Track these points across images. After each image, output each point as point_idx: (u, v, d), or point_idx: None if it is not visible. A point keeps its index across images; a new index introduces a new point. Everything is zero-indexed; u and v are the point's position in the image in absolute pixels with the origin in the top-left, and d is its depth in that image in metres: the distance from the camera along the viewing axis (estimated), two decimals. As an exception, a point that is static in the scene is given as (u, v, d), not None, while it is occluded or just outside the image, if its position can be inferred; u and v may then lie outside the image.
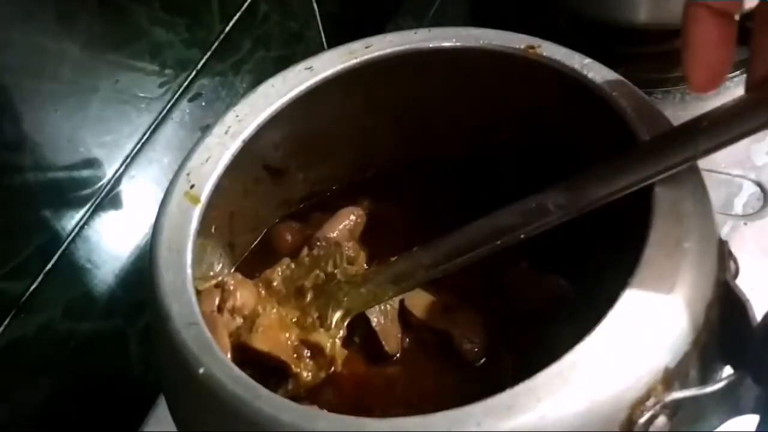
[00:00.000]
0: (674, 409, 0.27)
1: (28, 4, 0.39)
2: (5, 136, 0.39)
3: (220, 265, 0.39)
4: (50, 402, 0.45)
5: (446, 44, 0.37)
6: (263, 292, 0.36)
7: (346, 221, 0.39)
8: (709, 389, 0.27)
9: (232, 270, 0.39)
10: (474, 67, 0.38)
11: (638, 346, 0.26)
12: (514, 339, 0.35)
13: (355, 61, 0.37)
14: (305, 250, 0.38)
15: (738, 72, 0.56)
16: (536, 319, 0.35)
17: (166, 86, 0.48)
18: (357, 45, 0.38)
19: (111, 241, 0.47)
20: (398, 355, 0.36)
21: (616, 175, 0.30)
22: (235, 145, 0.35)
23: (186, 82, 0.50)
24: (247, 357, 0.33)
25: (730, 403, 0.28)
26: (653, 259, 0.28)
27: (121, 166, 0.46)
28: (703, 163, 0.31)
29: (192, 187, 0.34)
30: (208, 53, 0.51)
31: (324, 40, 0.63)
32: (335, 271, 0.36)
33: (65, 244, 0.43)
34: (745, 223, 0.47)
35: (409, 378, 0.35)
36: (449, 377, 0.34)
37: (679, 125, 0.30)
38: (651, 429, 0.26)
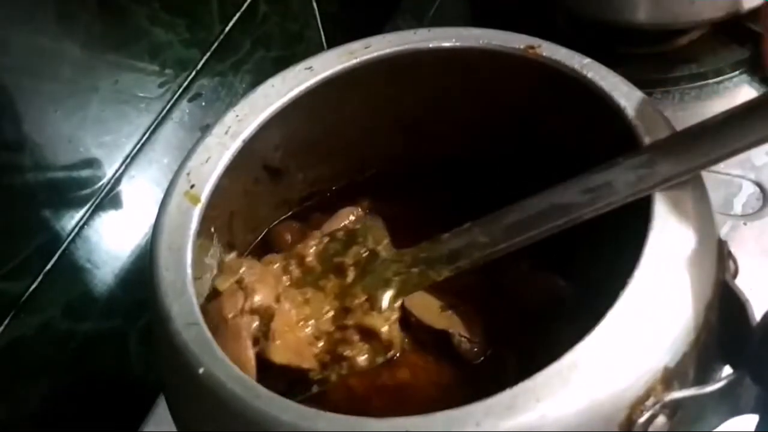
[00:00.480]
0: (674, 409, 0.27)
1: (28, 5, 0.39)
2: (5, 136, 0.39)
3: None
4: (50, 402, 0.45)
5: (446, 44, 0.37)
6: (290, 273, 0.34)
7: (346, 221, 0.39)
8: (708, 389, 0.27)
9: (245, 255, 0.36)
10: (474, 67, 0.38)
11: (638, 346, 0.26)
12: (513, 339, 0.35)
13: (354, 61, 0.37)
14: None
15: (737, 72, 0.56)
16: (536, 319, 0.35)
17: (165, 86, 0.48)
18: (356, 45, 0.38)
19: (111, 241, 0.47)
20: (398, 355, 0.36)
21: (690, 152, 0.29)
22: (234, 145, 0.35)
23: (186, 83, 0.50)
24: (267, 365, 0.32)
25: (729, 402, 0.28)
26: (653, 259, 0.28)
27: (120, 166, 0.46)
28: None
29: (192, 187, 0.34)
30: (208, 53, 0.51)
31: (324, 40, 0.63)
32: (378, 248, 0.35)
33: (65, 244, 0.43)
34: (745, 223, 0.47)
35: (409, 378, 0.35)
36: (449, 377, 0.34)
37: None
38: (650, 429, 0.26)
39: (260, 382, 0.28)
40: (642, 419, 0.26)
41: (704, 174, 0.31)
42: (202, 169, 0.34)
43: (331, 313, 0.33)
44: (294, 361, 0.32)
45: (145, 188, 0.48)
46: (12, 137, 0.40)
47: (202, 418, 0.29)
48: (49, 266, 0.42)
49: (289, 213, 0.42)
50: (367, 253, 0.35)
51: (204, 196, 0.33)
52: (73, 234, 0.44)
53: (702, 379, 0.29)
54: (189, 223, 0.32)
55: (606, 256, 0.32)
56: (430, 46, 0.37)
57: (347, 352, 0.32)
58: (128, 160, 0.46)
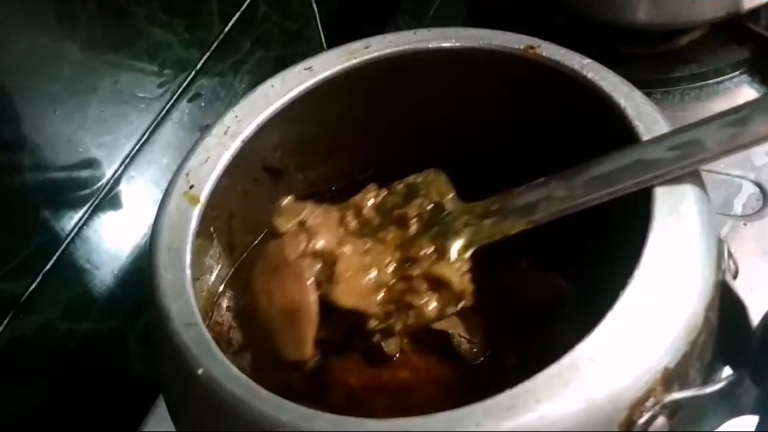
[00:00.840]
0: (674, 410, 0.27)
1: (28, 5, 0.39)
2: (4, 136, 0.39)
3: (220, 265, 0.39)
4: (49, 402, 0.45)
5: (446, 44, 0.37)
6: (346, 225, 0.33)
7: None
8: (708, 390, 0.27)
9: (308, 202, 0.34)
10: (473, 68, 0.38)
11: (638, 347, 0.26)
12: (513, 339, 0.35)
13: (354, 61, 0.37)
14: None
15: (738, 72, 0.56)
16: (536, 320, 0.35)
17: (165, 86, 0.48)
18: (356, 45, 0.38)
19: (110, 241, 0.47)
20: (397, 355, 0.36)
21: None
22: (234, 146, 0.35)
23: (185, 83, 0.50)
24: (328, 308, 0.31)
25: (729, 403, 0.28)
26: (653, 260, 0.28)
27: (120, 166, 0.46)
28: (702, 164, 0.31)
29: (191, 187, 0.34)
30: (208, 53, 0.51)
31: (323, 40, 0.63)
32: (443, 200, 0.33)
33: (64, 244, 0.43)
34: (745, 224, 0.47)
35: (409, 378, 0.35)
36: (448, 377, 0.34)
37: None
38: (650, 429, 0.26)
39: (321, 329, 0.28)
40: (642, 420, 0.26)
41: (704, 174, 0.31)
42: (202, 169, 0.34)
43: (393, 265, 0.32)
44: (360, 305, 0.31)
45: (145, 189, 0.48)
46: (11, 137, 0.40)
47: (201, 418, 0.29)
48: (48, 266, 0.42)
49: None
50: (431, 206, 0.33)
51: (203, 196, 0.33)
52: (72, 234, 0.43)
53: (702, 379, 0.29)
54: (188, 224, 0.32)
55: (606, 256, 0.32)
56: (430, 46, 0.37)
57: (415, 301, 0.31)
58: (127, 161, 0.46)
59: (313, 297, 0.31)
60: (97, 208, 0.45)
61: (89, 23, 0.42)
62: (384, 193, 0.35)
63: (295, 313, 0.31)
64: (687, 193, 0.30)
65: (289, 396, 0.26)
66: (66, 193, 0.43)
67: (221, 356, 0.28)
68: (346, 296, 0.31)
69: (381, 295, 0.32)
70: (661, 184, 0.30)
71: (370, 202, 0.34)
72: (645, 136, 0.31)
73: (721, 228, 0.46)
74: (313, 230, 0.32)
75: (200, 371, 0.27)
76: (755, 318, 0.28)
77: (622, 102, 0.33)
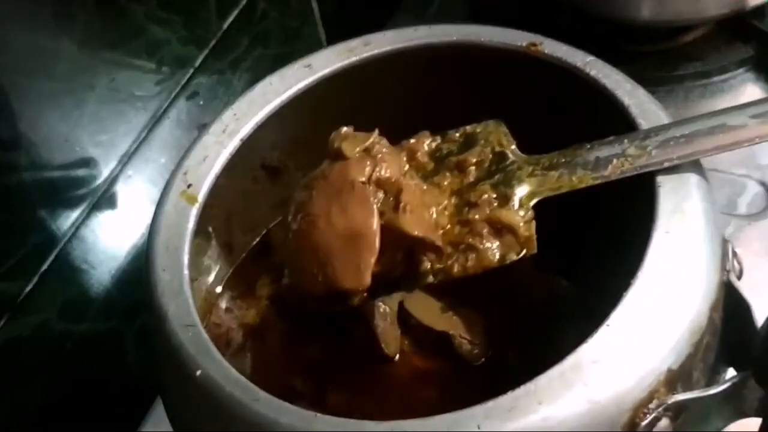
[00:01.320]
0: (677, 411, 0.26)
1: (26, 2, 0.39)
2: (1, 134, 0.39)
3: (218, 265, 0.38)
4: (47, 403, 0.45)
5: (447, 41, 0.37)
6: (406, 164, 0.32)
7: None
8: (712, 391, 0.27)
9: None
10: (475, 65, 0.37)
11: (641, 348, 0.26)
12: (515, 340, 0.35)
13: (354, 58, 0.37)
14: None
15: (742, 69, 0.56)
16: (538, 320, 0.35)
17: (163, 84, 0.48)
18: (356, 42, 0.38)
19: (107, 241, 0.46)
20: (398, 356, 0.35)
21: None
22: (232, 144, 0.35)
23: (183, 81, 0.49)
24: (390, 239, 0.30)
25: (733, 404, 0.28)
26: (657, 260, 0.27)
27: (117, 165, 0.46)
28: (706, 163, 0.31)
29: (189, 186, 0.33)
30: (206, 51, 0.51)
31: (323, 37, 0.63)
32: (505, 150, 0.32)
33: (61, 244, 0.43)
34: (750, 223, 0.47)
35: (409, 380, 0.35)
36: (449, 379, 0.34)
37: None
38: (654, 431, 0.26)
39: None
40: (645, 421, 0.26)
41: (709, 174, 0.31)
42: (200, 168, 0.34)
43: (451, 209, 0.31)
44: (428, 235, 0.30)
45: (142, 188, 0.48)
46: (7, 136, 0.39)
47: (200, 420, 0.29)
48: (45, 266, 0.42)
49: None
50: (492, 154, 0.33)
51: (201, 195, 0.33)
52: (69, 234, 0.43)
53: (706, 381, 0.28)
54: (186, 223, 0.32)
55: (609, 256, 0.32)
56: (431, 43, 0.37)
57: (477, 244, 0.30)
58: (125, 160, 0.46)
59: (375, 221, 0.29)
60: (95, 208, 0.45)
61: (87, 20, 0.42)
62: (438, 140, 0.34)
63: (357, 238, 0.29)
64: (691, 192, 0.29)
65: (288, 397, 0.26)
66: (63, 192, 0.43)
67: (219, 357, 0.28)
68: (413, 225, 0.30)
69: (441, 233, 0.31)
70: (663, 183, 0.29)
71: (425, 147, 0.33)
72: (648, 135, 0.31)
73: (725, 228, 0.46)
74: (380, 158, 0.31)
75: (198, 372, 0.27)
76: (760, 318, 0.28)
77: (626, 99, 0.33)
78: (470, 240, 0.30)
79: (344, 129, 0.32)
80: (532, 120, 0.38)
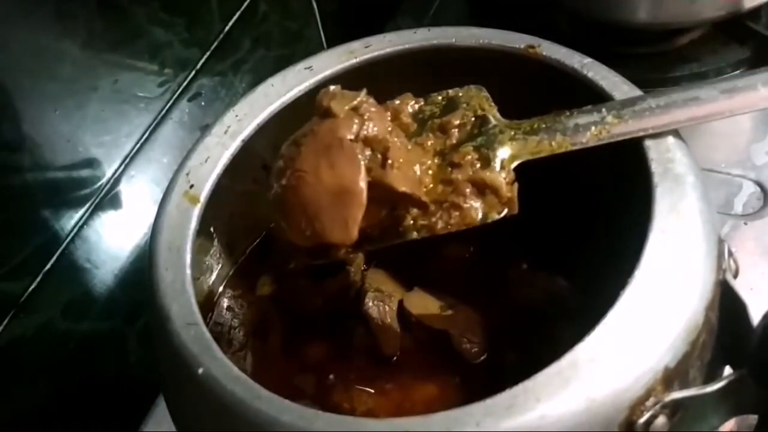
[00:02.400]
0: (674, 409, 0.27)
1: (28, 4, 0.39)
2: (4, 135, 0.39)
3: (220, 265, 0.39)
4: (49, 402, 0.45)
5: (446, 43, 0.37)
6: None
7: None
8: (708, 389, 0.27)
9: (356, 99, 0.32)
10: (474, 67, 0.38)
11: (638, 346, 0.26)
12: (513, 339, 0.35)
13: (354, 60, 0.37)
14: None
15: (738, 71, 0.56)
16: (536, 319, 0.35)
17: (165, 86, 0.48)
18: (357, 44, 0.38)
19: (110, 241, 0.47)
20: (397, 355, 0.36)
21: None
22: (234, 145, 0.35)
23: (185, 82, 0.50)
24: (375, 194, 0.30)
25: (729, 402, 0.28)
26: (653, 259, 0.28)
27: (120, 165, 0.46)
28: (703, 163, 0.31)
29: (191, 187, 0.33)
30: (208, 53, 0.51)
31: (324, 39, 0.63)
32: (487, 114, 0.33)
33: (64, 244, 0.43)
34: (745, 223, 0.47)
35: (409, 378, 0.35)
36: (448, 377, 0.34)
37: None
38: (651, 429, 0.26)
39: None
40: (642, 419, 0.26)
41: (705, 174, 0.31)
42: (202, 169, 0.34)
43: (434, 169, 0.32)
44: (415, 191, 0.31)
45: (145, 188, 0.48)
46: (11, 137, 0.39)
47: (201, 418, 0.29)
48: (48, 266, 0.42)
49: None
50: (474, 117, 0.33)
51: (203, 196, 0.33)
52: (72, 234, 0.43)
53: (702, 379, 0.29)
54: (188, 223, 0.32)
55: (606, 255, 0.32)
56: (431, 45, 0.37)
57: (460, 202, 0.31)
58: (128, 160, 0.46)
59: (365, 179, 0.30)
60: (97, 208, 0.45)
61: (89, 22, 0.42)
62: (421, 102, 0.34)
63: (345, 193, 0.30)
64: (687, 192, 0.30)
65: (289, 396, 0.26)
66: (66, 192, 0.43)
67: (221, 356, 0.28)
68: (400, 181, 0.30)
69: (425, 191, 0.31)
70: (660, 183, 0.30)
71: (409, 108, 0.34)
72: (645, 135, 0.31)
73: (721, 227, 0.46)
74: (367, 116, 0.31)
75: (200, 371, 0.27)
76: (756, 317, 0.28)
77: (623, 101, 0.33)
78: (453, 198, 0.31)
79: (332, 87, 0.33)
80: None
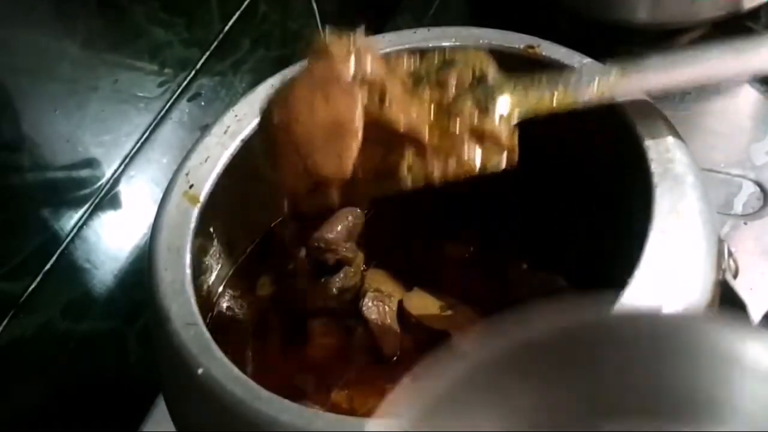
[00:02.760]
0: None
1: (28, 3, 0.39)
2: (4, 135, 0.39)
3: (219, 265, 0.39)
4: (49, 402, 0.45)
5: (446, 43, 0.37)
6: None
7: (345, 222, 0.39)
8: (708, 389, 0.27)
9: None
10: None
11: (638, 346, 0.26)
12: (513, 339, 0.35)
13: (354, 60, 0.37)
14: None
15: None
16: (536, 319, 0.35)
17: (165, 86, 0.48)
18: (356, 45, 0.38)
19: (110, 241, 0.47)
20: (397, 355, 0.36)
21: None
22: (234, 145, 0.35)
23: (185, 82, 0.50)
24: (371, 135, 0.30)
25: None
26: (653, 259, 0.28)
27: (120, 165, 0.46)
28: (703, 163, 0.32)
29: (191, 187, 0.34)
30: (208, 53, 0.51)
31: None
32: (486, 73, 0.32)
33: (64, 244, 0.43)
34: (745, 223, 0.47)
35: (409, 378, 0.35)
36: (448, 377, 0.34)
37: None
38: (651, 429, 0.26)
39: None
40: (642, 419, 0.26)
41: (704, 174, 0.31)
42: (202, 168, 0.34)
43: (432, 120, 0.31)
44: (417, 127, 0.30)
45: (145, 188, 0.48)
46: (11, 137, 0.39)
47: (201, 418, 0.29)
48: (48, 266, 0.42)
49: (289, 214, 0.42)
50: (473, 76, 0.32)
51: (203, 196, 0.33)
52: (72, 234, 0.43)
53: (702, 379, 0.29)
54: (188, 223, 0.32)
55: (607, 256, 0.32)
56: (430, 45, 0.37)
57: (458, 149, 0.30)
58: (127, 160, 0.46)
59: (360, 111, 0.29)
60: (97, 208, 0.45)
61: (89, 22, 0.42)
62: (413, 60, 0.33)
63: (340, 127, 0.29)
64: (687, 192, 0.30)
65: (289, 396, 0.26)
66: (65, 192, 0.43)
67: (221, 356, 0.28)
68: (399, 117, 0.29)
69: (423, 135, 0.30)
70: (660, 183, 0.30)
71: (404, 65, 0.33)
72: (645, 135, 0.31)
73: (721, 227, 0.46)
74: (365, 56, 0.31)
75: (200, 371, 0.27)
76: (756, 317, 0.28)
77: (622, 101, 0.33)
78: (451, 147, 0.30)
79: (330, 30, 0.32)
80: (529, 121, 0.39)
